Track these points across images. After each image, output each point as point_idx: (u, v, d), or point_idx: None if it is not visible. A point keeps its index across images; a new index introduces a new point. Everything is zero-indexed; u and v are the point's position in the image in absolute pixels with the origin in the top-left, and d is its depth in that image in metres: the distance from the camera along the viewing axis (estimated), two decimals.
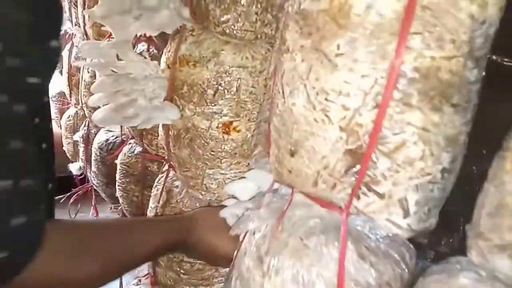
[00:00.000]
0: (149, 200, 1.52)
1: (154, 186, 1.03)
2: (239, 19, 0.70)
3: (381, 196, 0.50)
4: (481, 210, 0.50)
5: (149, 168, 1.43)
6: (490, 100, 0.60)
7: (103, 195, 1.89)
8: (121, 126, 1.53)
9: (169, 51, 0.82)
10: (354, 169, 0.50)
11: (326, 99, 0.48)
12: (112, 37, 1.50)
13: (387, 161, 0.48)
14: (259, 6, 0.70)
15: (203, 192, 0.84)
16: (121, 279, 1.29)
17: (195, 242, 0.69)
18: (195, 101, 0.77)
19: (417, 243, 0.60)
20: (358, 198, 0.51)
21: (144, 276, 1.24)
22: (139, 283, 1.28)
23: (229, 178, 0.79)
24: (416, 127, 0.47)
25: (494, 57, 0.60)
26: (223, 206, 0.73)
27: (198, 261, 0.89)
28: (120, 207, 1.68)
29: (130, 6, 0.76)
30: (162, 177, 1.01)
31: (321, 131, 0.49)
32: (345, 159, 0.49)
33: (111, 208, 2.11)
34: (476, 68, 0.48)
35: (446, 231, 0.68)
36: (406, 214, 0.51)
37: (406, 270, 0.54)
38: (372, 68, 0.45)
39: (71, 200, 2.25)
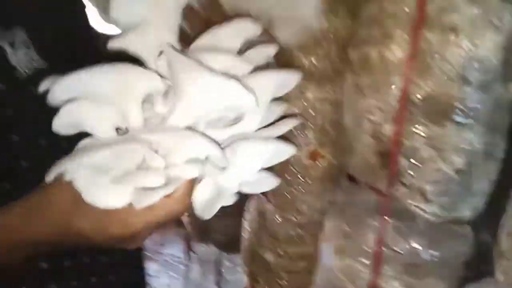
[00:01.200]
0: None
1: (246, 210, 1.03)
2: (321, 60, 0.79)
3: (404, 185, 0.69)
4: (504, 230, 0.57)
5: None
6: None
7: None
8: None
9: None
10: (385, 166, 0.71)
11: (363, 117, 0.72)
12: None
13: (406, 160, 0.68)
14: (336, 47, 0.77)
15: (296, 215, 0.90)
16: None
17: (71, 236, 0.35)
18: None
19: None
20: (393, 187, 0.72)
21: None
22: None
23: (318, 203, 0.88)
24: (422, 136, 0.65)
25: None
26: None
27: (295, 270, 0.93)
28: None
29: None
30: (253, 201, 1.01)
31: (359, 136, 0.73)
32: (376, 158, 0.71)
33: None
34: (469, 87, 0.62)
35: None
36: (426, 201, 0.68)
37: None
38: (387, 95, 0.67)
39: None
